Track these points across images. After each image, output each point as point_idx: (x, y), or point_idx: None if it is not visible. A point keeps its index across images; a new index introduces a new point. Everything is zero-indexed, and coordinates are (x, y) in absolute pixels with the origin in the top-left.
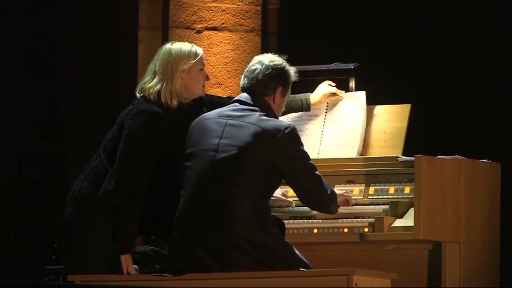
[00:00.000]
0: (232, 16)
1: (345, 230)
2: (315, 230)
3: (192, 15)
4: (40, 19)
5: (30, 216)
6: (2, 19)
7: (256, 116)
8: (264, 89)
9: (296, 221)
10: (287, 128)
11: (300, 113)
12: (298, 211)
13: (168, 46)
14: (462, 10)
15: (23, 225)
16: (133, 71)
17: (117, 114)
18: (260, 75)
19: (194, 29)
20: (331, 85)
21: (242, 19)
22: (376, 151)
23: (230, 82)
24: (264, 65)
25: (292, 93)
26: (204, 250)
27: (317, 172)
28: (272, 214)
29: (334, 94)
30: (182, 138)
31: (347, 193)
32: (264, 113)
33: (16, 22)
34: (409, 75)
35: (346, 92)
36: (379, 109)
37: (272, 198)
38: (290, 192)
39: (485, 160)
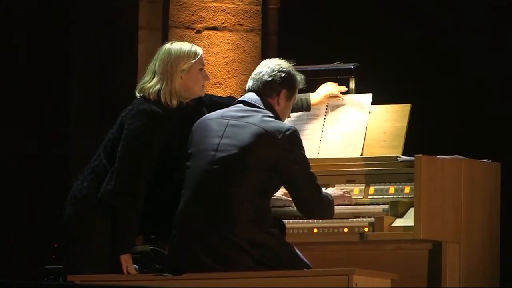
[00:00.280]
0: (232, 16)
1: (345, 230)
2: (315, 230)
3: (192, 15)
4: (40, 19)
5: (30, 216)
6: (2, 18)
7: (258, 117)
8: (268, 91)
9: (296, 221)
10: (288, 129)
11: (300, 113)
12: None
13: (168, 46)
14: (462, 10)
15: (23, 225)
16: (133, 71)
17: (117, 114)
18: (266, 77)
19: (194, 29)
20: (334, 87)
21: (242, 19)
22: (376, 151)
23: (230, 82)
24: (270, 68)
25: None
26: (204, 250)
27: (313, 180)
28: (272, 214)
29: (336, 95)
30: (182, 138)
31: (348, 192)
32: (267, 114)
33: (16, 22)
34: (409, 75)
35: (347, 93)
36: (379, 109)
37: (273, 197)
38: None
39: (485, 160)
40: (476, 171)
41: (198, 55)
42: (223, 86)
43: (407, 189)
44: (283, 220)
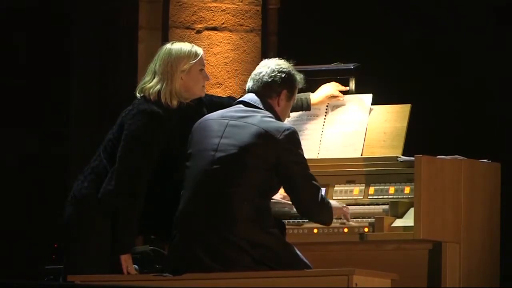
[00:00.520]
0: (232, 16)
1: (345, 230)
2: (315, 230)
3: (192, 15)
4: (40, 18)
5: (30, 216)
6: (2, 18)
7: (258, 117)
8: (268, 92)
9: (296, 221)
10: (287, 129)
11: (299, 113)
12: None
13: (168, 46)
14: (462, 10)
15: (23, 225)
16: (133, 71)
17: (117, 114)
18: (265, 78)
19: (194, 29)
20: (334, 88)
21: (242, 19)
22: (376, 151)
23: (230, 82)
24: (270, 68)
25: None
26: (204, 250)
27: (312, 179)
28: (272, 214)
29: (336, 96)
30: (182, 138)
31: (346, 207)
32: (267, 115)
33: (16, 22)
34: (409, 75)
35: (347, 93)
36: (379, 109)
37: (271, 201)
38: None
39: (485, 160)
40: (476, 171)
41: (198, 55)
42: (223, 86)
43: (407, 189)
44: (283, 220)
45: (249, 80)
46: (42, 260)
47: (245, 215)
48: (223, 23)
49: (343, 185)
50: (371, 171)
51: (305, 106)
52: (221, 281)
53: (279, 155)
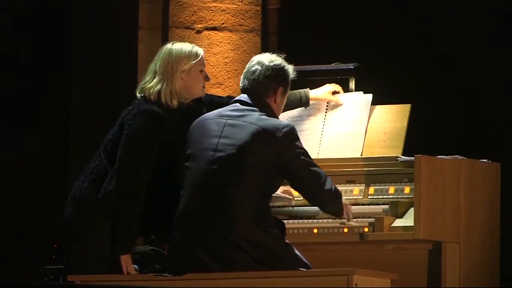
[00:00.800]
0: (232, 16)
1: (345, 230)
2: (315, 230)
3: (192, 15)
4: (40, 18)
5: (30, 216)
6: (2, 18)
7: (255, 116)
8: (265, 91)
9: (296, 221)
10: (286, 126)
11: (299, 112)
12: (298, 211)
13: (169, 46)
14: (462, 10)
15: (23, 225)
16: (133, 71)
17: (117, 114)
18: (261, 77)
19: (194, 29)
20: (335, 90)
21: (242, 19)
22: (376, 151)
23: (230, 82)
24: (264, 66)
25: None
26: (204, 250)
27: (316, 168)
28: (272, 214)
29: (336, 91)
30: (182, 138)
31: (350, 206)
32: (264, 113)
33: (16, 22)
34: (409, 76)
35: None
36: (379, 109)
37: (273, 195)
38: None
39: (485, 160)
40: (476, 171)
41: (199, 56)
42: (223, 86)
43: (407, 189)
44: (283, 220)
45: (242, 78)
46: (42, 260)
47: (245, 215)
48: (223, 23)
49: (343, 185)
50: (371, 171)
51: (304, 101)
52: (221, 281)
53: (279, 152)
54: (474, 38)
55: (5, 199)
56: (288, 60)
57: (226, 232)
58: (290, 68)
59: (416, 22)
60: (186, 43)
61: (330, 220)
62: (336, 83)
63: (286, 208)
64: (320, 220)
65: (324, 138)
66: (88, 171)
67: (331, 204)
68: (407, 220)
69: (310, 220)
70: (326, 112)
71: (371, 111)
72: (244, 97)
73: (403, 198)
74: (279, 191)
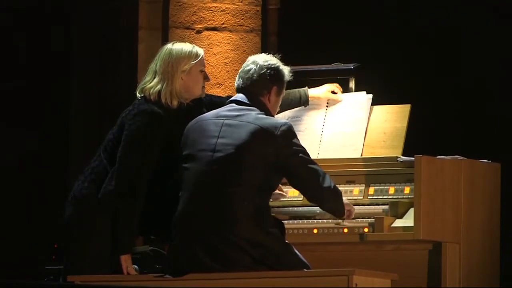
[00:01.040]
0: (232, 16)
1: (345, 230)
2: (315, 230)
3: (192, 15)
4: (40, 18)
5: (30, 216)
6: (2, 18)
7: (253, 115)
8: (259, 90)
9: (296, 221)
10: (283, 125)
11: (299, 112)
12: (298, 211)
13: (169, 46)
14: (462, 10)
15: (23, 225)
16: (133, 71)
17: (117, 114)
18: (255, 76)
19: (194, 29)
20: (334, 91)
21: (242, 19)
22: (376, 151)
23: (230, 82)
24: (258, 65)
25: None
26: (204, 250)
27: (315, 166)
28: (272, 214)
29: (335, 92)
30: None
31: (351, 204)
32: (261, 112)
33: (16, 22)
34: (409, 75)
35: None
36: (379, 109)
37: None
38: (290, 192)
39: (485, 160)
40: (476, 171)
41: (199, 56)
42: (223, 87)
43: (407, 190)
44: (283, 220)
45: (237, 78)
46: (42, 260)
47: (245, 215)
48: (223, 23)
49: (343, 185)
50: (371, 171)
51: (304, 99)
52: (221, 281)
53: (278, 151)
54: (474, 38)
55: (5, 199)
56: (288, 60)
57: (226, 232)
58: (285, 69)
59: (416, 22)
60: (187, 43)
61: (330, 220)
62: (336, 83)
63: (286, 208)
64: (320, 220)
65: (324, 138)
66: (88, 171)
67: (330, 201)
68: (407, 221)
69: (310, 220)
70: (326, 112)
71: (371, 111)
72: (239, 96)
73: (403, 198)
74: None
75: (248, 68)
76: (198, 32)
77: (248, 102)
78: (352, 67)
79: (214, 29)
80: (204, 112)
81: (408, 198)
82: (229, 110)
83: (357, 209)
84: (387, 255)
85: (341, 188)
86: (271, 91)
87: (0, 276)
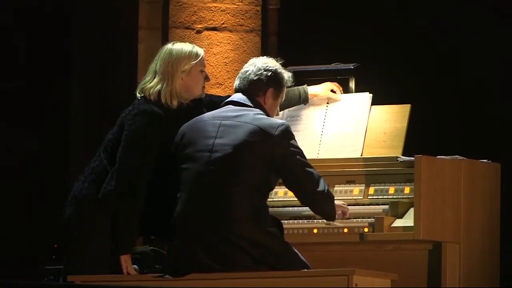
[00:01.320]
0: (232, 16)
1: (345, 230)
2: (315, 230)
3: (192, 15)
4: (40, 18)
5: (30, 216)
6: (2, 18)
7: (251, 115)
8: (255, 90)
9: (296, 221)
10: (281, 125)
11: (299, 112)
12: (299, 211)
13: (169, 46)
14: (462, 10)
15: (23, 225)
16: (133, 71)
17: (117, 114)
18: (252, 76)
19: (194, 29)
20: (334, 90)
21: (242, 19)
22: (376, 151)
23: (230, 82)
24: (256, 67)
25: None
26: (204, 251)
27: (311, 169)
28: (271, 213)
29: (334, 91)
30: None
31: (345, 204)
32: (258, 112)
33: (16, 22)
34: (409, 76)
35: (346, 93)
36: (379, 109)
37: None
38: (290, 192)
39: (485, 160)
40: (476, 171)
41: (199, 56)
42: (223, 87)
43: (407, 190)
44: (283, 220)
45: (236, 78)
46: (42, 260)
47: (244, 214)
48: (223, 23)
49: (343, 185)
50: (371, 171)
51: (304, 97)
52: (221, 281)
53: (275, 150)
54: (474, 38)
55: (5, 199)
56: (288, 60)
57: (226, 232)
58: (284, 73)
59: (416, 22)
60: (187, 43)
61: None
62: (335, 82)
63: (286, 208)
64: (320, 221)
65: (324, 138)
66: (88, 171)
67: (323, 204)
68: (407, 220)
69: (310, 220)
70: (326, 112)
71: (371, 111)
72: (236, 97)
73: (403, 198)
74: None
75: (246, 69)
76: (198, 32)
77: (245, 103)
78: (352, 67)
79: (214, 29)
80: (204, 112)
81: (408, 198)
82: (227, 111)
83: (357, 209)
84: (387, 255)
85: (341, 188)
86: (266, 93)
87: (0, 276)
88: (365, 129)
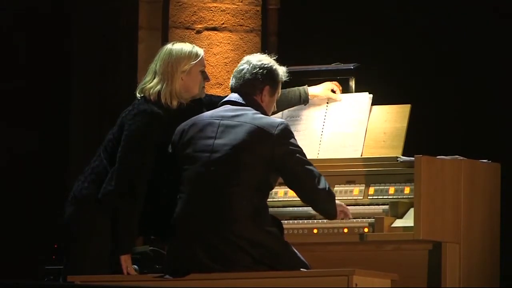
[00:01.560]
0: (232, 16)
1: (345, 230)
2: (315, 230)
3: (192, 15)
4: (40, 18)
5: (30, 216)
6: (2, 18)
7: (249, 115)
8: (252, 89)
9: (296, 221)
10: (281, 124)
11: (299, 112)
12: (298, 211)
13: (169, 46)
14: (462, 10)
15: (23, 225)
16: (133, 71)
17: (117, 114)
18: (247, 75)
19: (194, 29)
20: (333, 90)
21: (242, 19)
22: (376, 151)
23: (230, 82)
24: (251, 65)
25: None
26: (204, 251)
27: (311, 167)
28: (270, 213)
29: (335, 91)
30: None
31: (343, 204)
32: (256, 111)
33: (16, 22)
34: (409, 76)
35: (347, 93)
36: (379, 109)
37: None
38: (290, 192)
39: (485, 160)
40: (476, 172)
41: (199, 56)
42: (223, 86)
43: (407, 190)
44: (283, 220)
45: (232, 77)
46: (42, 260)
47: (244, 214)
48: (223, 23)
49: (343, 185)
50: (371, 171)
51: (304, 97)
52: (221, 281)
53: (275, 150)
54: (474, 38)
55: (5, 199)
56: (288, 60)
57: (226, 232)
58: (279, 69)
59: (416, 22)
60: (187, 43)
61: (330, 220)
62: (336, 82)
63: (286, 208)
64: (320, 221)
65: (324, 138)
66: (88, 171)
67: (324, 203)
68: (407, 221)
69: (310, 221)
70: (326, 112)
71: (371, 111)
72: (234, 96)
73: (403, 198)
74: None
75: (241, 68)
76: (198, 32)
77: (242, 102)
78: (352, 67)
79: (214, 29)
80: (203, 112)
81: (408, 198)
82: (225, 111)
83: (357, 209)
84: (387, 255)
85: (341, 188)
86: (263, 91)
87: (0, 276)
88: (365, 129)
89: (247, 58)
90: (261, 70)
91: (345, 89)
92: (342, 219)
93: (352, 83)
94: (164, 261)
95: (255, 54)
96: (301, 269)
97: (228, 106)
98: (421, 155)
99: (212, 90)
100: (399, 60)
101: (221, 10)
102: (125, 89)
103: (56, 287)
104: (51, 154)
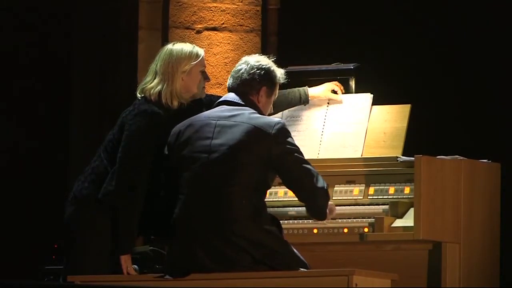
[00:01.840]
0: (232, 16)
1: (345, 230)
2: (315, 230)
3: (192, 15)
4: (40, 19)
5: (30, 216)
6: (2, 19)
7: (246, 115)
8: (248, 89)
9: (296, 221)
10: (278, 123)
11: (299, 112)
12: (299, 211)
13: (169, 46)
14: (462, 10)
15: (23, 225)
16: (133, 71)
17: (117, 114)
18: (245, 75)
19: (194, 29)
20: (334, 90)
21: (242, 19)
22: (376, 151)
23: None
24: (249, 65)
25: None
26: (204, 251)
27: (309, 166)
28: (270, 213)
29: (336, 92)
30: None
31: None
32: (253, 111)
33: (16, 21)
34: (409, 76)
35: (347, 93)
36: (379, 109)
37: None
38: (290, 192)
39: (485, 160)
40: (476, 171)
41: (199, 56)
42: (223, 87)
43: (407, 190)
44: (283, 220)
45: (229, 77)
46: (42, 260)
47: (243, 214)
48: (223, 23)
49: (343, 185)
50: (371, 171)
51: (304, 98)
52: (221, 281)
53: (272, 149)
54: (474, 38)
55: (5, 199)
56: (288, 60)
57: (226, 232)
58: (277, 71)
59: (416, 22)
60: (187, 43)
61: (330, 220)
62: (336, 82)
63: (286, 208)
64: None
65: (324, 138)
66: (88, 171)
67: (321, 201)
68: (407, 221)
69: (310, 220)
70: (326, 113)
71: (371, 111)
72: (229, 97)
73: (403, 198)
74: None
75: (239, 68)
76: (198, 32)
77: (239, 102)
78: (352, 67)
79: (214, 29)
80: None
81: (408, 198)
82: (221, 111)
83: (357, 209)
84: (387, 255)
85: (341, 188)
86: (260, 91)
87: (0, 276)
88: (365, 130)
89: (245, 58)
90: (258, 71)
91: (345, 89)
92: (332, 219)
93: (352, 83)
94: (164, 261)
95: (253, 55)
96: (301, 269)
97: (225, 106)
98: (421, 155)
99: (212, 90)
100: (399, 60)
101: (221, 10)
102: (125, 89)
103: (56, 287)
104: (51, 154)
